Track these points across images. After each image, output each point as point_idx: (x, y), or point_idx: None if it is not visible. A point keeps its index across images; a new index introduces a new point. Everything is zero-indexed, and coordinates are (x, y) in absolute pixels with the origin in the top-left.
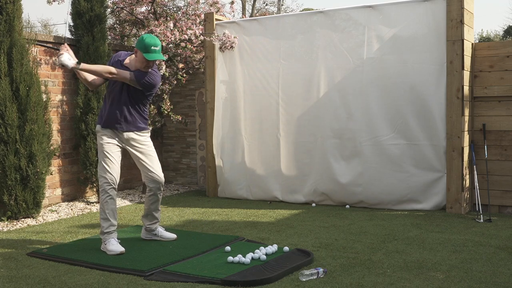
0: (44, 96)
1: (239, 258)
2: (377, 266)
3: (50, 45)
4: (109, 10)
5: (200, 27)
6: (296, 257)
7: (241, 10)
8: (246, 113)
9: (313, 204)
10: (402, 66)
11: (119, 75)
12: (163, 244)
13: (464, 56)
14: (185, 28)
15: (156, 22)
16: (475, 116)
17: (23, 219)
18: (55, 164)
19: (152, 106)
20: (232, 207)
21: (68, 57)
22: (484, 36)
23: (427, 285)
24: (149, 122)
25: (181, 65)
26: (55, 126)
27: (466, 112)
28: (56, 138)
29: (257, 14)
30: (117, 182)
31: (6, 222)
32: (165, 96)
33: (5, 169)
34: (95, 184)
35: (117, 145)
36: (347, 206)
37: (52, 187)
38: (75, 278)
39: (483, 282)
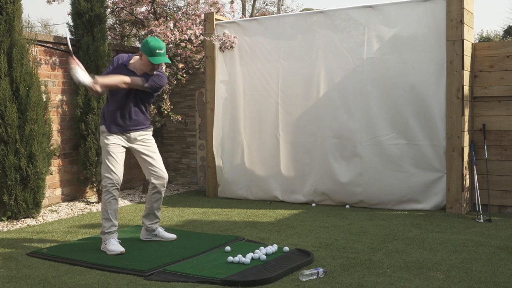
0: (44, 96)
1: (239, 258)
2: (377, 266)
3: (50, 45)
4: (109, 10)
5: (200, 27)
6: (296, 257)
7: (241, 10)
8: (246, 113)
9: (313, 204)
10: (402, 66)
11: (133, 84)
12: (163, 244)
13: (464, 56)
14: (185, 28)
15: (156, 22)
16: (475, 116)
17: (23, 219)
18: (55, 164)
19: (152, 106)
20: (232, 207)
21: (83, 73)
22: (484, 36)
23: (427, 285)
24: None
25: (181, 65)
26: (55, 126)
27: (466, 112)
28: (56, 138)
29: (257, 14)
30: (121, 182)
31: (6, 222)
32: (165, 96)
33: (5, 169)
34: (95, 184)
35: (122, 145)
36: (347, 206)
37: (52, 187)
38: (75, 278)
39: (483, 282)
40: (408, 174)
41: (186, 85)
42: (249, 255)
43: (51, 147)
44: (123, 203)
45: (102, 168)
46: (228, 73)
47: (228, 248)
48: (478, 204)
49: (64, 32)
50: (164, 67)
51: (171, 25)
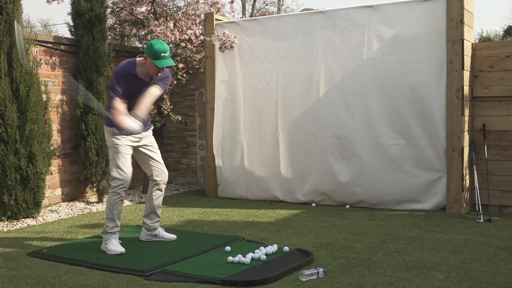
0: (44, 96)
1: (239, 258)
2: (377, 266)
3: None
4: (109, 10)
5: (200, 27)
6: (296, 257)
7: (241, 10)
8: (246, 113)
9: (313, 204)
10: (402, 66)
11: (156, 98)
12: (163, 244)
13: (464, 56)
14: (185, 28)
15: (156, 22)
16: (475, 116)
17: (23, 219)
18: (55, 164)
19: (152, 106)
20: (232, 207)
21: (130, 120)
22: (484, 36)
23: (427, 285)
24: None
25: (181, 65)
26: (55, 126)
27: (466, 112)
28: (56, 138)
29: (257, 14)
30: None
31: (6, 222)
32: (165, 96)
33: (5, 169)
34: (95, 184)
35: (132, 146)
36: (347, 206)
37: (52, 187)
38: (75, 278)
39: (483, 282)
40: (408, 174)
41: (186, 85)
42: (249, 255)
43: (51, 147)
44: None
45: (112, 168)
46: (228, 73)
47: (228, 248)
48: (478, 204)
49: (63, 32)
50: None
51: (171, 25)
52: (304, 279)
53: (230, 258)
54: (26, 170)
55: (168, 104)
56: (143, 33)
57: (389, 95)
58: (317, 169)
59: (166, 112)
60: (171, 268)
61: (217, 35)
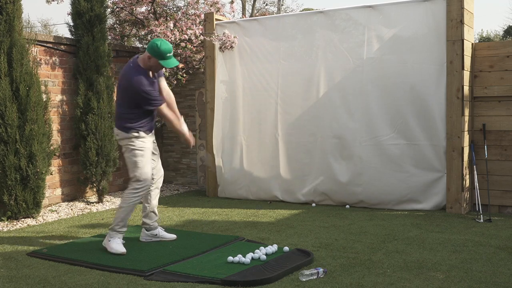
0: (44, 96)
1: (239, 258)
2: (377, 266)
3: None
4: (109, 10)
5: (200, 27)
6: (296, 257)
7: (241, 10)
8: (246, 113)
9: (313, 204)
10: (402, 66)
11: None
12: (163, 244)
13: (464, 56)
14: (185, 28)
15: (156, 22)
16: (475, 116)
17: (23, 219)
18: (55, 164)
19: None
20: (232, 207)
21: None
22: (484, 36)
23: (427, 285)
24: None
25: (181, 65)
26: (55, 126)
27: (466, 112)
28: (56, 138)
29: (257, 14)
30: None
31: (6, 222)
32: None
33: (5, 169)
34: (95, 184)
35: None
36: (347, 206)
37: (52, 187)
38: (75, 278)
39: (483, 282)
40: (408, 174)
41: (186, 85)
42: (249, 255)
43: (51, 147)
44: None
45: (136, 171)
46: (228, 73)
47: (230, 258)
48: (478, 204)
49: (63, 32)
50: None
51: (171, 25)
52: (304, 279)
53: (230, 258)
54: (26, 170)
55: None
56: (143, 33)
57: (389, 95)
58: (317, 169)
59: None
60: (171, 268)
61: (217, 35)
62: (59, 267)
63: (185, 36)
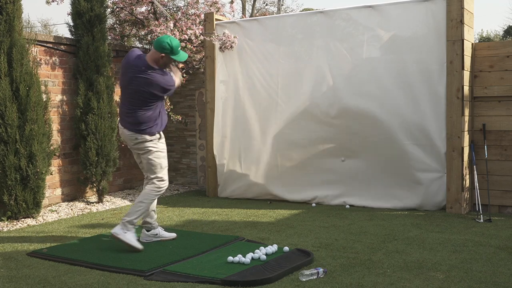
0: (44, 96)
1: (239, 258)
2: (377, 266)
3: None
4: (109, 10)
5: (200, 27)
6: (296, 257)
7: (241, 10)
8: (246, 113)
9: (313, 204)
10: (402, 66)
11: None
12: (163, 244)
13: (464, 56)
14: (185, 28)
15: (156, 22)
16: (475, 116)
17: (23, 219)
18: (55, 164)
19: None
20: (232, 207)
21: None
22: (484, 36)
23: (427, 285)
24: None
25: (181, 65)
26: (55, 126)
27: (466, 112)
28: (56, 138)
29: (257, 14)
30: None
31: (6, 222)
32: (165, 96)
33: (5, 169)
34: (95, 184)
35: None
36: (347, 206)
37: (52, 187)
38: (75, 278)
39: (483, 282)
40: (408, 174)
41: (186, 85)
42: (249, 255)
43: (51, 147)
44: (123, 203)
45: (160, 171)
46: (228, 73)
47: (230, 258)
48: (478, 204)
49: (63, 32)
50: None
51: (171, 25)
52: (304, 279)
53: (230, 258)
54: (26, 170)
55: (168, 104)
56: (143, 33)
57: (388, 95)
58: (317, 169)
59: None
60: (171, 268)
61: (217, 35)
62: (59, 267)
63: (185, 36)
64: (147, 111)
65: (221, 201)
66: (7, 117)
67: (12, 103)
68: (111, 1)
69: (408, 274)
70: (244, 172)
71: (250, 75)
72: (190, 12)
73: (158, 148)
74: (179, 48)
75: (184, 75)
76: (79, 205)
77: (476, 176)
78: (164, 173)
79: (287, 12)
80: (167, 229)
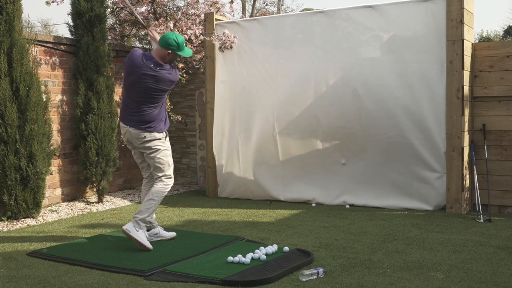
0: (44, 96)
1: (239, 258)
2: (377, 266)
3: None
4: (109, 10)
5: (200, 27)
6: (296, 257)
7: (241, 10)
8: (246, 113)
9: (313, 204)
10: (402, 66)
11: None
12: (163, 244)
13: (464, 56)
14: (185, 28)
15: (156, 22)
16: (475, 116)
17: (23, 219)
18: (55, 164)
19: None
20: (232, 207)
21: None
22: (484, 36)
23: (427, 285)
24: None
25: (181, 65)
26: (55, 126)
27: (466, 112)
28: (56, 138)
29: (257, 14)
30: None
31: (6, 222)
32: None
33: (5, 169)
34: (95, 184)
35: None
36: (347, 206)
37: (52, 187)
38: (75, 278)
39: (483, 282)
40: (408, 174)
41: (186, 85)
42: (249, 255)
43: (51, 147)
44: (123, 203)
45: (168, 169)
46: (228, 73)
47: (230, 258)
48: (478, 204)
49: (63, 32)
50: None
51: (171, 25)
52: (304, 279)
53: (230, 258)
54: (26, 170)
55: (168, 104)
56: (143, 33)
57: (388, 95)
58: (317, 169)
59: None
60: (171, 268)
61: (217, 35)
62: (59, 267)
63: (185, 36)
64: (155, 109)
65: (221, 201)
66: (7, 117)
67: (12, 103)
68: (111, 1)
69: (408, 274)
70: (244, 172)
71: (250, 75)
72: (190, 12)
73: (165, 147)
74: (184, 45)
75: (184, 75)
76: (79, 205)
77: (476, 176)
78: (171, 171)
79: (287, 12)
80: (167, 229)
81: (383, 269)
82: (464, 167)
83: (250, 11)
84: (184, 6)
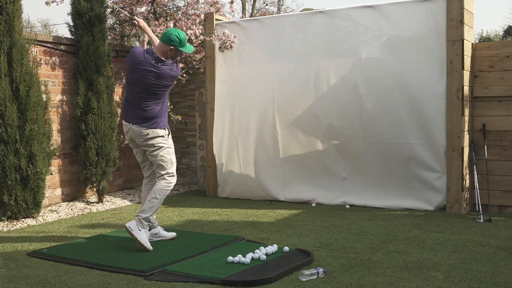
0: (44, 96)
1: (239, 258)
2: (377, 266)
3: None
4: (109, 10)
5: (200, 27)
6: (296, 257)
7: (241, 10)
8: (246, 113)
9: (313, 204)
10: (402, 66)
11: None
12: (163, 244)
13: (464, 56)
14: (185, 28)
15: (156, 22)
16: (475, 116)
17: (23, 219)
18: (55, 164)
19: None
20: (232, 207)
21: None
22: (484, 36)
23: (427, 285)
24: None
25: (181, 65)
26: (55, 126)
27: (466, 112)
28: (56, 138)
29: (257, 14)
30: None
31: (6, 222)
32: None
33: (5, 169)
34: (95, 184)
35: None
36: (347, 206)
37: (52, 187)
38: (75, 278)
39: (483, 282)
40: (408, 174)
41: (186, 85)
42: (249, 255)
43: (51, 147)
44: (123, 203)
45: (171, 167)
46: (228, 73)
47: (230, 258)
48: (478, 204)
49: (63, 32)
50: None
51: (171, 25)
52: (304, 279)
53: (230, 258)
54: (26, 170)
55: (168, 104)
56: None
57: (388, 95)
58: (317, 169)
59: None
60: (171, 268)
61: (217, 35)
62: (59, 267)
63: None
64: (157, 105)
65: (221, 201)
66: (7, 117)
67: (12, 103)
68: (111, 1)
69: (408, 274)
70: (244, 172)
71: (250, 75)
72: (190, 12)
73: (168, 144)
74: (186, 41)
75: (184, 75)
76: (79, 205)
77: (476, 176)
78: (174, 169)
79: (287, 12)
80: (167, 229)
81: (383, 269)
82: (464, 167)
83: (250, 11)
84: (184, 6)
